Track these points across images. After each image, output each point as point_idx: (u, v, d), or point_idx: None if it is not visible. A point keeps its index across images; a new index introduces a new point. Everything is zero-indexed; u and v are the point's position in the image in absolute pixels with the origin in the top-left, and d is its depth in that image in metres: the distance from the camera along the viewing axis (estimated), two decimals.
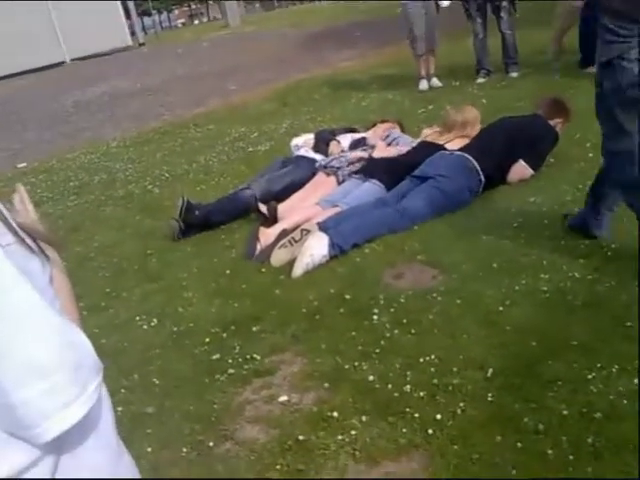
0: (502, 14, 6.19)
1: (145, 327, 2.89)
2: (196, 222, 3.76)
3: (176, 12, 65.07)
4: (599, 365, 2.00)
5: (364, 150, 4.19)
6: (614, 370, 1.98)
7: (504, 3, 6.13)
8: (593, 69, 5.95)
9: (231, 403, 2.23)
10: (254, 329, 2.63)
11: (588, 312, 2.31)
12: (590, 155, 3.81)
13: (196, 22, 53.05)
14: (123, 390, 2.39)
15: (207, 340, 2.63)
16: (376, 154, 4.10)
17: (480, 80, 6.45)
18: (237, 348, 2.53)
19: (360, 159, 4.01)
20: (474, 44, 6.52)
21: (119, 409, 2.13)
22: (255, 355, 2.45)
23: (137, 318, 2.97)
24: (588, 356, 2.06)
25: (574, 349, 2.11)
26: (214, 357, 2.51)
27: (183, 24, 57.80)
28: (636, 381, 1.91)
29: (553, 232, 2.96)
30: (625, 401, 1.85)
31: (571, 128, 3.95)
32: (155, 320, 2.91)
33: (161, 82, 11.78)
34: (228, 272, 3.22)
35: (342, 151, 4.25)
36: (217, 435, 2.08)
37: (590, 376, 1.97)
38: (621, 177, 2.45)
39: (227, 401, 2.24)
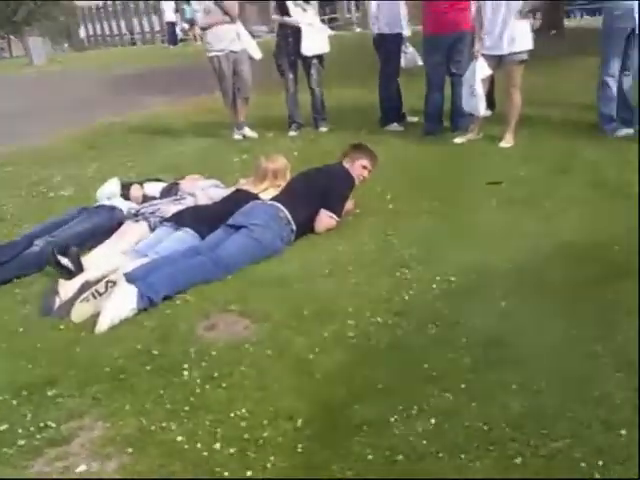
0: (312, 71, 6.54)
1: None
2: None
3: None
4: (400, 407, 2.10)
5: (178, 199, 4.10)
6: (413, 411, 2.08)
7: (314, 61, 6.48)
8: (393, 128, 6.56)
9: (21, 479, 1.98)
10: (49, 393, 2.39)
11: (390, 355, 2.43)
12: (390, 207, 4.11)
13: None
14: None
15: None
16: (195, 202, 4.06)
17: (292, 133, 6.71)
18: (29, 416, 2.27)
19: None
20: (286, 99, 6.78)
21: None
22: (50, 422, 2.22)
23: None
24: (391, 399, 2.15)
25: (379, 392, 2.20)
26: (2, 428, 2.22)
27: None
28: (433, 421, 2.03)
29: (359, 279, 3.11)
30: (424, 441, 1.94)
31: (373, 182, 4.22)
32: None
33: None
34: (21, 330, 2.91)
35: (153, 198, 4.13)
36: None
37: (392, 419, 2.05)
38: None
39: (16, 477, 1.99)
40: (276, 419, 2.11)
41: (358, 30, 25.08)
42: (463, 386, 2.19)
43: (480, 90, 5.24)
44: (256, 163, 4.29)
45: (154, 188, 4.38)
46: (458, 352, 2.40)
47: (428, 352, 2.42)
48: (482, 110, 5.36)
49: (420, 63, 6.21)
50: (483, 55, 5.19)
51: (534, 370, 2.25)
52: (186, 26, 25.16)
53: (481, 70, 5.22)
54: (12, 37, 48.09)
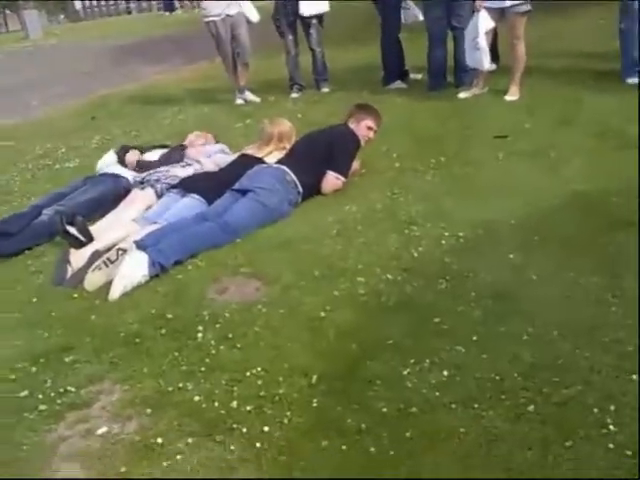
0: (311, 31, 6.44)
1: None
2: None
3: None
4: (412, 361, 2.13)
5: (183, 166, 4.09)
6: (425, 365, 2.11)
7: (313, 21, 6.38)
8: (396, 85, 6.47)
9: (43, 442, 2.03)
10: (67, 360, 2.43)
11: (400, 311, 2.45)
12: (397, 165, 4.09)
13: None
14: None
15: (12, 377, 2.38)
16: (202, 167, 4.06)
17: (294, 95, 6.65)
18: (48, 382, 2.32)
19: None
20: (286, 61, 6.70)
21: None
22: (69, 387, 2.26)
23: None
24: (402, 354, 2.18)
25: (390, 348, 2.23)
26: (22, 394, 2.27)
27: None
28: (445, 373, 2.06)
29: (367, 238, 3.11)
30: (437, 393, 1.97)
31: (378, 141, 4.19)
32: None
33: None
34: (35, 300, 2.95)
35: (152, 164, 4.12)
36: None
37: (405, 372, 2.08)
38: None
39: (38, 440, 2.04)
40: (291, 376, 2.15)
41: None
42: (474, 338, 2.21)
43: (484, 43, 5.15)
44: (260, 127, 4.26)
45: (154, 154, 4.36)
46: (468, 305, 2.42)
47: (438, 306, 2.44)
48: (486, 64, 5.28)
49: (421, 18, 6.09)
50: (485, 8, 5.09)
51: (544, 320, 2.27)
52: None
53: (484, 23, 5.12)
54: (7, 12, 47.43)
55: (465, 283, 2.58)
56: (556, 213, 3.10)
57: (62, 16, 46.87)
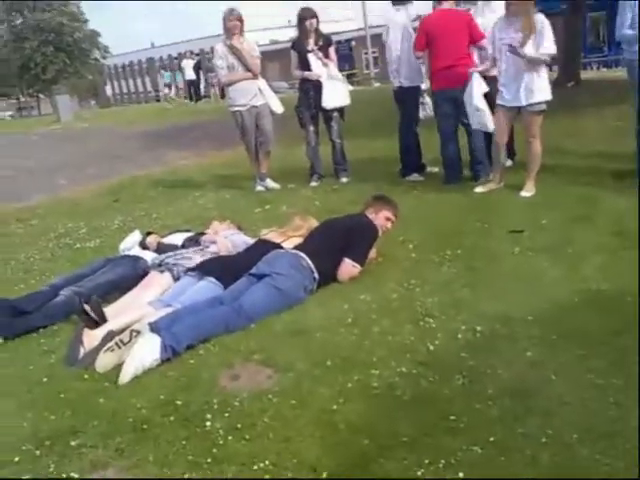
0: (332, 123, 6.67)
1: None
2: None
3: (3, 104, 62.14)
4: (427, 461, 2.05)
5: (201, 249, 4.14)
6: (441, 465, 2.03)
7: (335, 113, 6.62)
8: (413, 178, 6.62)
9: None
10: (73, 444, 2.38)
11: (415, 407, 2.39)
12: (413, 255, 4.11)
13: (25, 115, 50.88)
14: None
15: (16, 459, 2.32)
16: (217, 248, 4.11)
17: (313, 184, 6.80)
18: (52, 466, 2.26)
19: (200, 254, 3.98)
20: (307, 151, 6.90)
21: None
22: (72, 474, 2.20)
23: None
24: (416, 452, 2.10)
25: (404, 445, 2.15)
26: (24, 478, 2.21)
27: (11, 116, 55.17)
28: (461, 475, 1.98)
29: (382, 328, 3.09)
30: None
31: (395, 231, 4.24)
32: None
33: None
34: (45, 380, 2.92)
35: (172, 247, 4.19)
36: None
37: (419, 472, 2.01)
38: None
39: None
40: (300, 471, 2.08)
41: (377, 85, 25.61)
42: (491, 439, 2.14)
43: (483, 105, 5.29)
44: (291, 220, 4.37)
45: (176, 238, 4.44)
46: (485, 403, 2.36)
47: (454, 403, 2.38)
48: (491, 125, 5.37)
49: None
50: (502, 106, 5.26)
51: (562, 422, 2.20)
52: (167, 91, 29.73)
53: (478, 87, 5.30)
54: (41, 96, 49.83)
55: (482, 380, 2.53)
56: (573, 311, 3.06)
57: (93, 102, 49.07)
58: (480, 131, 5.66)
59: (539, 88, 5.09)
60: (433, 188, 5.92)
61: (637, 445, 1.60)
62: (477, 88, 5.34)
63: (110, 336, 3.08)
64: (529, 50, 4.97)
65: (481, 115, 5.37)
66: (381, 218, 4.04)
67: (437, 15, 5.93)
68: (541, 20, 5.00)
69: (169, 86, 29.76)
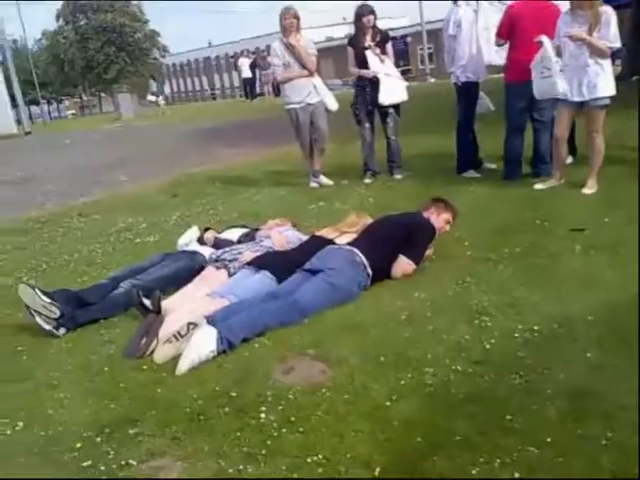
0: (388, 120, 6.63)
1: (8, 432, 2.60)
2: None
3: (67, 103, 64.46)
4: (482, 460, 2.02)
5: (256, 245, 4.19)
6: (496, 464, 2.00)
7: (391, 110, 6.57)
8: (470, 174, 6.52)
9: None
10: (131, 432, 2.45)
11: (469, 406, 2.35)
12: (468, 253, 4.05)
13: (87, 113, 52.62)
14: None
15: (78, 445, 2.40)
16: (272, 243, 4.15)
17: (367, 180, 6.78)
18: (111, 453, 2.33)
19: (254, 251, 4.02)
20: (362, 147, 6.88)
21: None
22: (131, 461, 2.27)
23: None
24: (471, 450, 2.07)
25: (457, 444, 2.13)
26: (85, 464, 2.29)
27: (74, 115, 57.19)
28: (517, 475, 1.94)
29: (436, 326, 3.05)
30: None
31: (451, 228, 4.18)
32: (20, 424, 2.64)
33: (44, 171, 11.41)
34: (106, 369, 3.02)
35: (228, 242, 4.25)
36: None
37: (474, 471, 1.98)
38: None
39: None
40: (353, 466, 2.08)
41: (432, 80, 25.29)
42: (549, 440, 2.09)
43: (556, 68, 5.00)
44: (349, 217, 4.37)
45: (232, 233, 4.51)
46: (543, 404, 2.30)
47: (511, 403, 2.33)
48: (560, 87, 5.08)
49: (492, 108, 6.17)
50: (564, 101, 5.10)
51: (624, 424, 2.12)
52: (153, 98, 33.31)
53: (551, 51, 5.02)
54: (102, 95, 51.35)
55: (539, 380, 2.47)
56: (634, 312, 2.95)
57: (154, 98, 50.20)
58: (548, 129, 5.49)
59: (603, 83, 4.93)
60: (491, 184, 5.81)
61: (637, 445, 1.54)
62: (550, 51, 5.04)
63: (168, 328, 3.15)
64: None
65: (549, 81, 5.07)
66: (441, 220, 4.01)
67: (526, 4, 5.58)
68: (607, 11, 4.83)
69: (156, 94, 33.30)
